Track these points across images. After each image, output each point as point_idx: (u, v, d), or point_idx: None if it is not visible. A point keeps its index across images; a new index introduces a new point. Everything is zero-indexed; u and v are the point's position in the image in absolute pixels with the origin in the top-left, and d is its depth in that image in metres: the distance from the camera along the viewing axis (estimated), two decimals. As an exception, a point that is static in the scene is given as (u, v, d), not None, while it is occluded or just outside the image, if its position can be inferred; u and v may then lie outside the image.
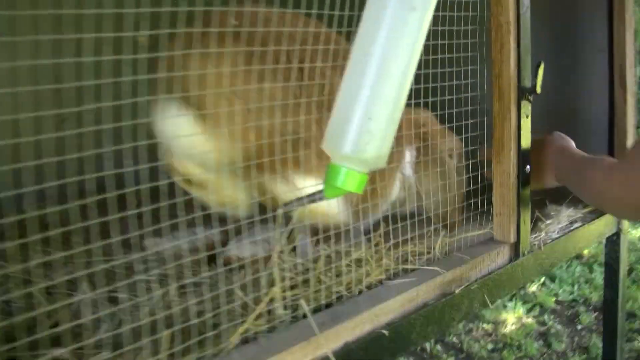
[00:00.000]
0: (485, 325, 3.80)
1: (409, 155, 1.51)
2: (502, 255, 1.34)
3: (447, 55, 1.28)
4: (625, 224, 1.75)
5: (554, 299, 4.07)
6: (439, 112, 1.32)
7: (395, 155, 1.40)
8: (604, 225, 1.69)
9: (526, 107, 1.33)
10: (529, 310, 3.94)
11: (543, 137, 1.43)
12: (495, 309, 3.98)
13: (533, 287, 4.17)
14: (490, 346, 3.56)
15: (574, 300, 4.07)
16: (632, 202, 1.06)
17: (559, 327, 3.80)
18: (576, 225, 1.60)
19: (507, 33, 1.29)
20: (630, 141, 1.68)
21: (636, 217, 1.18)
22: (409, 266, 1.18)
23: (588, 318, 3.80)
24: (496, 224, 1.36)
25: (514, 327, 3.76)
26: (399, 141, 1.38)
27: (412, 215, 1.32)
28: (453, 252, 1.28)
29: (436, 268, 1.16)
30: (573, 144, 1.42)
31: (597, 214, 1.69)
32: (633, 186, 1.05)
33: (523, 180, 1.34)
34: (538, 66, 1.32)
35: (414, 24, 0.96)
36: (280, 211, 1.04)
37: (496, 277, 1.30)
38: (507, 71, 1.30)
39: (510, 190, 1.33)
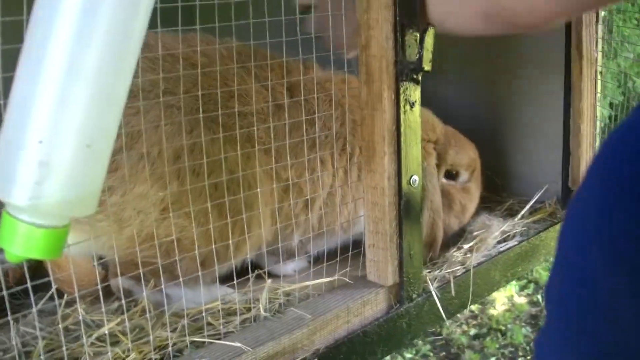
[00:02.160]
0: (472, 306, 3.42)
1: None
2: (373, 305, 0.94)
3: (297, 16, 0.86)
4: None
5: (551, 275, 3.65)
6: (285, 100, 0.90)
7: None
8: (554, 239, 1.26)
9: (411, 92, 0.90)
10: (522, 288, 3.54)
11: None
12: (485, 287, 3.59)
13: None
14: (473, 331, 3.20)
15: (575, 276, 3.64)
16: None
17: (554, 308, 3.39)
18: (512, 243, 1.18)
19: (375, -19, 0.85)
20: (585, 125, 1.22)
21: None
22: (205, 338, 0.79)
23: (588, 298, 3.38)
24: (369, 259, 0.96)
25: (503, 307, 3.37)
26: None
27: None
28: (292, 307, 0.89)
29: (236, 344, 0.77)
30: None
31: (548, 223, 1.27)
32: None
33: (407, 197, 0.93)
34: (425, 31, 0.88)
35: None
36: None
37: (358, 339, 0.91)
38: (376, 40, 0.87)
39: (385, 213, 0.92)
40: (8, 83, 0.60)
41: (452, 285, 1.04)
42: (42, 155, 0.57)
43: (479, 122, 1.46)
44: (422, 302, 1.00)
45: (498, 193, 1.38)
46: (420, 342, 3.05)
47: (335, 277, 0.93)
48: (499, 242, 1.17)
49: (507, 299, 3.48)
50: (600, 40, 1.16)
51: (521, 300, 3.46)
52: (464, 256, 1.09)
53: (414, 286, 0.97)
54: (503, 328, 3.22)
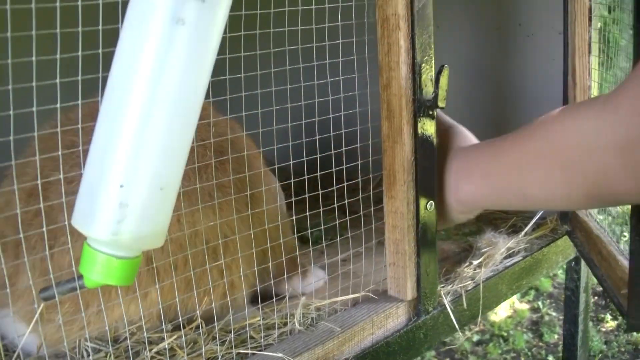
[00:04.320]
0: (474, 313, 3.52)
1: None
2: (394, 318, 1.04)
3: (327, 62, 0.96)
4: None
5: (551, 282, 3.76)
6: (317, 136, 1.01)
7: None
8: (556, 253, 1.37)
9: (428, 126, 1.00)
10: (523, 295, 3.64)
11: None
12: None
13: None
14: (476, 338, 3.29)
15: (574, 283, 3.74)
16: None
17: (553, 314, 3.50)
18: (517, 258, 1.28)
19: (395, 29, 0.95)
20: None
21: None
22: (248, 350, 0.89)
23: (587, 304, 3.48)
24: (390, 276, 1.06)
25: (505, 314, 3.47)
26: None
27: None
28: (323, 321, 0.99)
29: (278, 354, 0.87)
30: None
31: (549, 239, 1.37)
32: None
33: (424, 220, 1.03)
34: (440, 72, 0.98)
35: (183, 42, 0.65)
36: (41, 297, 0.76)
37: (382, 348, 1.01)
38: (397, 81, 0.97)
39: (405, 235, 1.02)
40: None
41: (463, 298, 1.14)
42: (123, 198, 0.66)
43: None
44: (437, 315, 1.09)
45: (503, 210, 1.48)
46: (424, 349, 3.14)
47: (361, 294, 1.03)
48: (505, 258, 1.27)
49: (508, 305, 3.58)
50: (593, 71, 1.26)
51: (522, 306, 3.56)
52: (473, 271, 1.19)
53: (430, 300, 1.07)
54: (505, 334, 3.31)
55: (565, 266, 1.48)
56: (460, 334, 3.26)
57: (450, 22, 1.59)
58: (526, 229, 1.35)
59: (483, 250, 1.24)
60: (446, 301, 1.10)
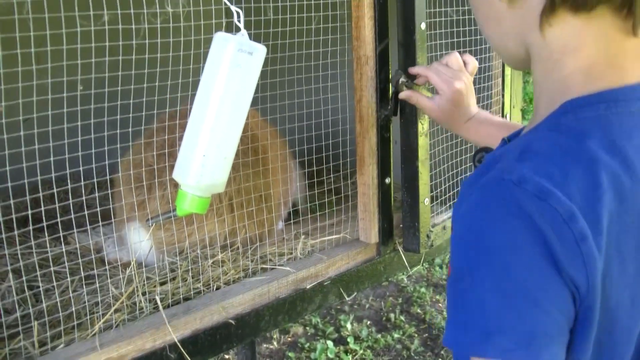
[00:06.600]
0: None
1: None
2: (363, 255, 1.57)
3: (321, 85, 1.50)
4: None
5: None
6: (305, 134, 1.55)
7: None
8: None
9: (386, 128, 1.54)
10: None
11: None
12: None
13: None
14: (452, 317, 3.79)
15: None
16: None
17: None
18: (454, 224, 1.81)
19: (365, 65, 1.49)
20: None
21: None
22: (267, 265, 1.43)
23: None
24: (360, 227, 1.59)
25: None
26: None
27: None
28: (315, 253, 1.52)
29: (287, 268, 1.41)
30: None
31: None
32: None
33: (383, 190, 1.56)
34: (394, 93, 1.52)
35: (239, 82, 1.19)
36: (149, 224, 1.29)
37: (354, 273, 1.54)
38: (366, 98, 1.51)
39: (370, 199, 1.55)
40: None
41: (412, 246, 1.67)
42: (204, 162, 1.20)
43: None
44: (393, 256, 1.63)
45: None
46: (407, 326, 3.67)
47: (341, 235, 1.57)
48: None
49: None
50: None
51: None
52: (421, 230, 1.72)
53: (388, 245, 1.61)
54: (477, 315, 3.80)
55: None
56: (434, 312, 3.78)
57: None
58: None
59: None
60: (400, 248, 1.64)
